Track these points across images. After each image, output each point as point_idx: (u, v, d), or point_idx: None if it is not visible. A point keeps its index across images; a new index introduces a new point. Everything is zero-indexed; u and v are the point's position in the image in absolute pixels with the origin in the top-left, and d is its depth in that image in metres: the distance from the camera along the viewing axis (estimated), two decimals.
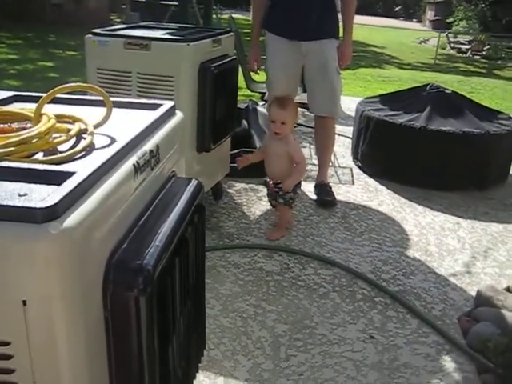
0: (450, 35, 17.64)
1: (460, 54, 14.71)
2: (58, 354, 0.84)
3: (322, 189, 3.62)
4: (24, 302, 0.79)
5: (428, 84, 4.46)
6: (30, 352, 0.83)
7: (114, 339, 0.95)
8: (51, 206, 0.78)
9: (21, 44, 10.37)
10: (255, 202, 3.55)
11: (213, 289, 2.57)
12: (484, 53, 14.05)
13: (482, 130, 3.94)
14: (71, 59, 8.80)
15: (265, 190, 3.70)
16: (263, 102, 4.67)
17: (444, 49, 16.22)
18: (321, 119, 3.62)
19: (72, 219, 0.80)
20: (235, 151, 3.70)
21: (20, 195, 0.83)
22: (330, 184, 3.70)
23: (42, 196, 0.82)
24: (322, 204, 3.54)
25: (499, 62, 12.84)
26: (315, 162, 3.85)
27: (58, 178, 0.88)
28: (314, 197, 3.63)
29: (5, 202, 0.80)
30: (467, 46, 16.81)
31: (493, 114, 4.42)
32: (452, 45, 17.23)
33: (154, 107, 1.36)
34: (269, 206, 3.50)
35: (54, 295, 0.80)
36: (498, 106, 4.86)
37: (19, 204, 0.79)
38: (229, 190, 3.66)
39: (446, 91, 4.34)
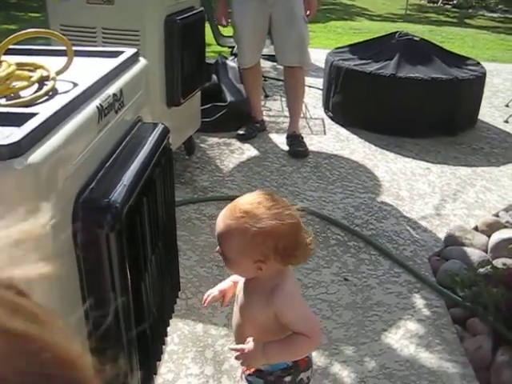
0: None
1: (431, 4, 14.61)
2: (31, 289, 0.86)
3: (294, 139, 3.63)
4: None
5: (396, 32, 4.46)
6: None
7: (86, 276, 0.98)
8: (14, 142, 0.79)
9: None
10: (228, 155, 3.56)
11: (188, 241, 2.60)
12: (455, 2, 13.98)
13: (450, 76, 3.97)
14: (35, 21, 8.55)
15: (237, 143, 3.72)
16: (233, 57, 4.63)
17: None
18: (290, 69, 3.60)
19: (36, 156, 0.81)
20: (206, 106, 3.69)
21: None
22: (302, 135, 3.72)
23: (5, 135, 0.83)
24: (295, 154, 3.56)
25: (470, 10, 12.81)
26: (286, 113, 3.85)
27: (21, 120, 0.89)
28: (286, 148, 3.65)
29: None
30: None
31: (461, 60, 4.45)
32: None
33: (116, 54, 1.36)
34: (242, 159, 3.53)
35: None
36: (468, 54, 4.88)
37: None
38: (201, 145, 3.67)
39: (415, 38, 4.35)
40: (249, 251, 1.22)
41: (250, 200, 1.23)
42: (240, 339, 1.35)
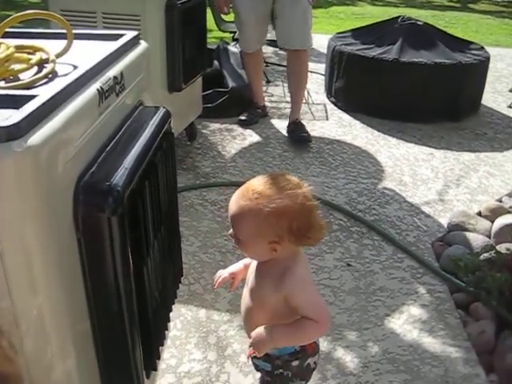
0: None
1: None
2: (32, 273, 0.86)
3: (297, 126, 3.60)
4: None
5: (399, 16, 4.42)
6: (5, 271, 0.84)
7: (87, 261, 0.97)
8: (13, 124, 0.78)
9: None
10: (230, 141, 3.54)
11: (191, 226, 2.60)
12: None
13: (454, 61, 3.94)
14: (34, 7, 8.48)
15: (239, 129, 3.71)
16: (234, 42, 4.60)
17: None
18: (295, 53, 3.53)
19: (36, 138, 0.80)
20: (207, 92, 3.67)
21: None
22: (305, 120, 3.70)
23: (4, 117, 0.82)
24: (297, 140, 3.52)
25: None
26: (288, 99, 3.82)
27: (20, 102, 0.87)
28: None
29: None
30: None
31: (465, 44, 4.41)
32: None
33: (117, 37, 1.34)
34: (244, 144, 3.51)
35: (23, 214, 0.81)
36: (471, 40, 4.84)
37: None
38: (203, 131, 3.65)
39: (418, 22, 4.31)
40: (263, 232, 1.20)
41: (263, 181, 1.22)
42: (248, 323, 1.35)
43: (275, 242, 1.22)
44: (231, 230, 1.28)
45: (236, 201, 1.23)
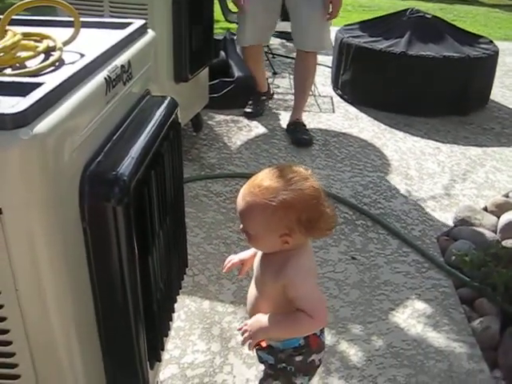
0: None
1: None
2: (38, 262, 0.85)
3: (298, 127, 3.48)
4: (0, 210, 0.80)
5: (408, 9, 4.39)
6: (10, 260, 0.84)
7: (93, 250, 0.96)
8: (20, 112, 0.77)
9: None
10: (235, 132, 3.53)
11: (196, 218, 2.59)
12: None
13: (462, 54, 3.91)
14: None
15: (245, 121, 3.69)
16: None
17: None
18: (303, 53, 3.41)
19: (42, 126, 0.79)
20: (213, 82, 3.65)
21: None
22: (311, 113, 3.67)
23: (11, 105, 0.81)
24: (298, 143, 3.39)
25: None
26: None
27: (26, 89, 0.86)
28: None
29: None
30: None
31: (473, 38, 4.37)
32: None
33: (124, 26, 1.32)
34: (249, 136, 3.50)
35: (29, 202, 0.80)
36: (479, 33, 4.81)
37: None
38: (209, 122, 3.64)
39: (426, 15, 4.27)
40: (273, 226, 1.20)
41: (269, 174, 1.22)
42: (252, 312, 1.35)
43: (286, 234, 1.21)
44: (241, 226, 1.27)
45: (243, 196, 1.23)
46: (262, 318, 1.26)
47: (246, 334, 1.26)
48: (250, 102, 3.77)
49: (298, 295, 1.23)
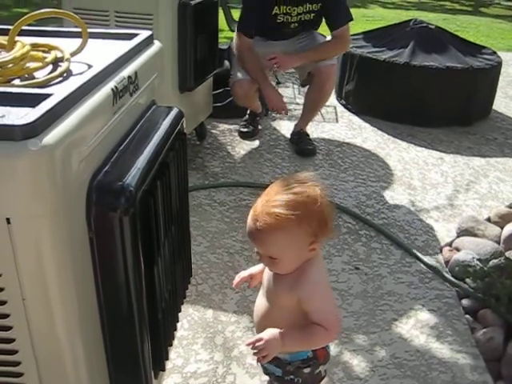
0: None
1: None
2: (45, 271, 0.86)
3: (302, 137, 3.46)
4: (8, 220, 0.81)
5: (411, 19, 4.41)
6: (17, 269, 0.84)
7: (99, 260, 0.97)
8: (29, 123, 0.78)
9: None
10: (239, 141, 3.54)
11: (199, 227, 2.60)
12: None
13: (465, 65, 3.92)
14: (46, 5, 8.55)
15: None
16: None
17: None
18: (321, 78, 3.29)
19: (51, 137, 0.80)
20: (218, 91, 3.67)
21: None
22: (315, 122, 3.68)
23: (20, 116, 0.82)
24: (302, 153, 3.38)
25: None
26: (299, 100, 3.80)
27: (35, 101, 0.87)
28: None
29: None
30: None
31: (476, 48, 4.39)
32: None
33: (131, 36, 1.34)
34: (253, 145, 3.51)
35: (36, 213, 0.81)
36: (482, 44, 4.83)
37: None
38: (213, 131, 3.65)
39: (430, 26, 4.29)
40: (301, 240, 1.20)
41: (278, 190, 1.21)
42: (262, 325, 1.32)
43: (313, 242, 1.22)
44: (258, 250, 1.24)
45: (258, 218, 1.18)
46: (277, 333, 1.23)
47: (262, 350, 1.22)
48: (245, 123, 3.64)
49: (314, 309, 1.23)
